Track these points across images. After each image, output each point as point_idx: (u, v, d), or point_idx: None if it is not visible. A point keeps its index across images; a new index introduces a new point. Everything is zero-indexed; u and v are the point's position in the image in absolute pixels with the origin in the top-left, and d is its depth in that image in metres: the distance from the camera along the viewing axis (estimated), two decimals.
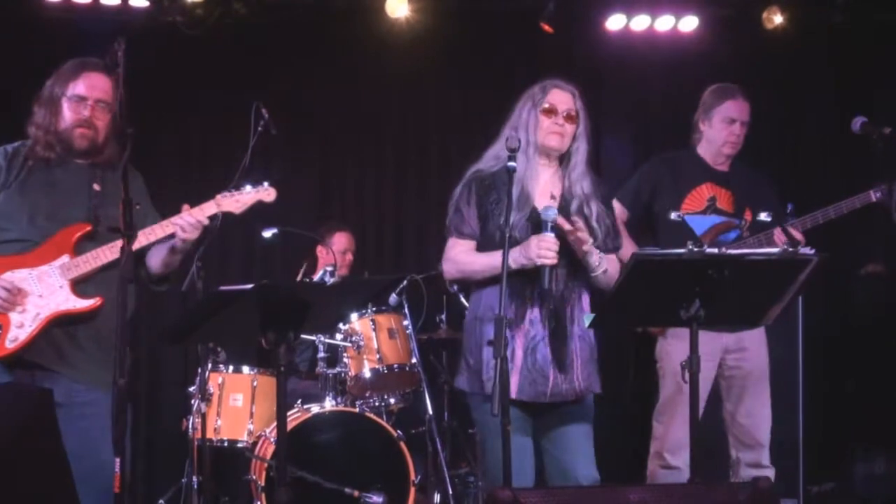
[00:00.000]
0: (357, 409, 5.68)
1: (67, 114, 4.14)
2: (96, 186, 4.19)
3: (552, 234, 3.88)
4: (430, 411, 5.90)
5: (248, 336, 4.17)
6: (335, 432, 5.57)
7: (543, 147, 4.10)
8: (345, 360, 5.87)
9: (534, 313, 3.98)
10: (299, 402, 5.79)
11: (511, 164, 3.84)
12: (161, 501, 6.11)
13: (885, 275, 6.53)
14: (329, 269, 5.73)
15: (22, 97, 4.32)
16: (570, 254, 3.98)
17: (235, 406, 5.75)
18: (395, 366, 5.90)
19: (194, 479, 5.49)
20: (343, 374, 5.86)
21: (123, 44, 3.61)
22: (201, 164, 7.02)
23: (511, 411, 3.76)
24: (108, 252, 4.06)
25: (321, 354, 5.91)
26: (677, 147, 5.56)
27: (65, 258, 4.08)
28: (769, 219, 5.08)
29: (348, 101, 7.21)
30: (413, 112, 7.41)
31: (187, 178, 6.96)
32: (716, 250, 3.61)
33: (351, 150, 7.40)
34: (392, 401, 5.99)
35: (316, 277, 5.97)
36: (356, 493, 5.38)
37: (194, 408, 5.47)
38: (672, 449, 5.03)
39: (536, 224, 3.97)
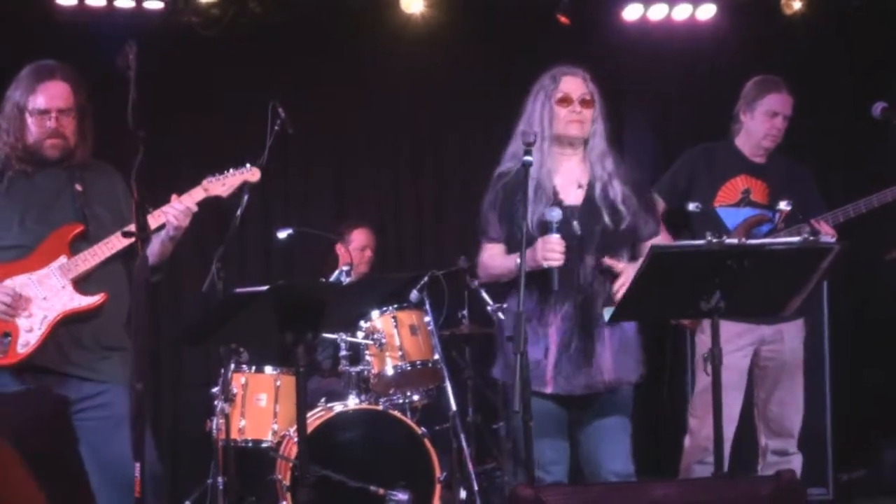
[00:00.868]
0: (380, 407, 5.67)
1: (33, 128, 4.15)
2: (78, 187, 4.22)
3: (557, 236, 3.85)
4: (454, 407, 5.88)
5: (266, 337, 4.17)
6: (359, 431, 5.56)
7: (565, 137, 4.07)
8: (367, 357, 5.87)
9: (564, 308, 3.96)
10: (322, 400, 5.80)
11: (527, 158, 3.82)
12: (187, 503, 6.12)
13: None
14: (345, 268, 5.73)
15: None
16: (597, 247, 3.97)
17: (259, 406, 5.76)
18: (418, 362, 5.89)
19: (219, 479, 5.49)
20: (366, 372, 5.86)
21: (135, 46, 3.59)
22: (218, 165, 6.99)
23: (546, 405, 3.89)
24: (105, 248, 4.12)
25: (343, 352, 5.90)
26: (696, 138, 5.53)
27: (62, 259, 4.12)
28: (788, 207, 5.04)
29: (364, 99, 7.19)
30: (429, 108, 7.37)
31: (203, 178, 6.94)
32: (735, 241, 3.57)
33: (368, 147, 7.39)
34: (415, 397, 5.98)
35: (332, 277, 5.96)
36: (381, 492, 5.37)
37: (217, 409, 5.48)
38: (708, 444, 4.97)
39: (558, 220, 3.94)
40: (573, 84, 4.08)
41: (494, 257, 4.14)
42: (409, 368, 5.86)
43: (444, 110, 7.40)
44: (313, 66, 7.07)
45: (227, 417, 5.43)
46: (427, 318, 6.00)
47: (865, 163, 6.78)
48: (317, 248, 6.72)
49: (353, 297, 3.91)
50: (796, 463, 5.21)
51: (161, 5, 6.55)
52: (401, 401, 5.91)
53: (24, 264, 4.11)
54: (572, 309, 3.95)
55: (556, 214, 3.86)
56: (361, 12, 6.95)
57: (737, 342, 4.94)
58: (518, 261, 3.77)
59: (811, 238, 3.64)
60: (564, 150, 4.09)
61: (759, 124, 5.23)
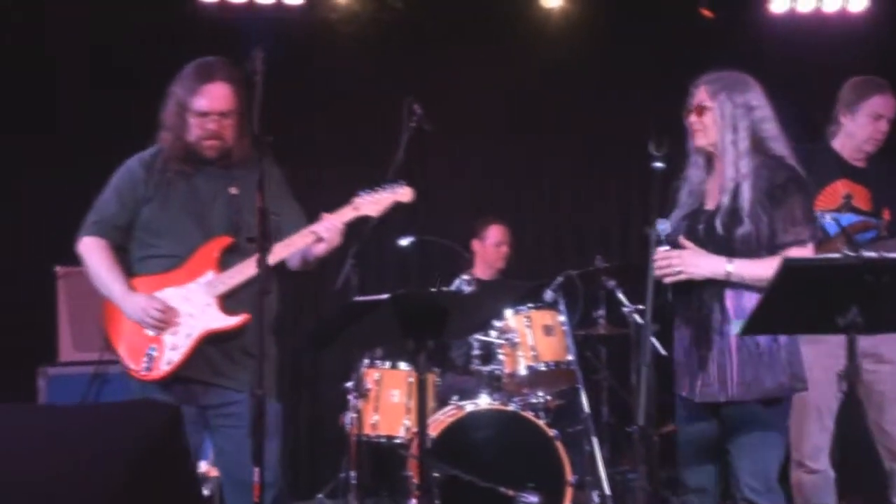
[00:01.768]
0: (512, 408, 5.63)
1: (194, 128, 4.13)
2: (233, 190, 4.18)
3: (665, 248, 3.80)
4: (587, 409, 5.81)
5: (388, 342, 4.20)
6: (490, 431, 5.54)
7: (695, 148, 3.99)
8: (500, 356, 5.84)
9: (687, 318, 3.92)
10: (455, 398, 5.78)
11: (656, 164, 3.75)
12: (320, 496, 6.20)
13: None
14: (466, 277, 5.68)
15: None
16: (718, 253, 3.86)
17: (392, 402, 5.76)
18: (552, 363, 5.83)
19: (351, 474, 5.55)
20: (497, 371, 5.83)
21: (262, 52, 3.62)
22: (356, 162, 7.06)
23: (689, 409, 3.89)
24: (252, 267, 4.01)
25: (475, 351, 5.89)
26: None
27: (209, 275, 4.11)
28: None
29: (504, 95, 7.14)
30: (570, 105, 7.28)
31: (340, 175, 6.98)
32: (874, 255, 3.40)
33: (507, 144, 7.35)
34: (548, 398, 5.92)
35: (453, 285, 5.94)
36: (511, 493, 5.35)
37: (351, 404, 5.53)
38: (811, 454, 4.76)
39: (689, 226, 3.90)
40: (693, 94, 4.00)
41: None
42: (542, 369, 5.81)
43: (585, 108, 7.30)
44: (451, 62, 7.05)
45: (359, 412, 5.48)
46: (562, 318, 5.92)
47: None
48: (451, 249, 6.67)
49: (473, 305, 3.88)
50: None
51: (301, 1, 6.62)
52: (533, 401, 5.85)
53: (173, 276, 4.12)
54: (693, 321, 3.90)
55: (661, 227, 3.80)
56: (501, 7, 6.90)
57: (831, 353, 4.61)
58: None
59: None
60: (702, 159, 4.03)
61: (862, 127, 4.95)
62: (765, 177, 3.86)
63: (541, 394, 5.89)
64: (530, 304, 5.91)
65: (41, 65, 6.64)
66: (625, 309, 5.85)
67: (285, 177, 4.36)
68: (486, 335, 5.83)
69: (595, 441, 5.77)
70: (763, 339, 3.81)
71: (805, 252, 3.78)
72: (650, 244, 3.75)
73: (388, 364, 5.82)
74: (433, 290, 3.64)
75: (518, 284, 6.22)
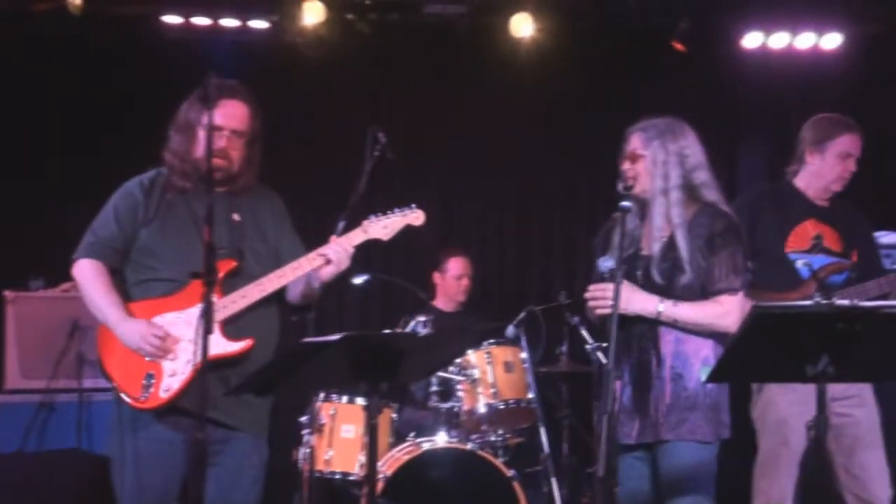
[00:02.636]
0: (469, 446, 5.47)
1: (203, 143, 3.98)
2: (236, 217, 4.07)
3: (602, 284, 3.81)
4: (547, 449, 5.69)
5: (337, 385, 4.05)
6: (446, 470, 5.39)
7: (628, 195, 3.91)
8: (459, 393, 5.69)
9: (629, 359, 3.89)
10: (412, 434, 5.63)
11: (624, 203, 3.66)
12: None
13: None
14: (422, 318, 5.52)
15: (140, 119, 4.20)
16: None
17: (347, 437, 5.60)
18: (511, 401, 5.69)
19: None
20: (456, 408, 5.68)
21: (216, 75, 3.49)
22: (319, 188, 6.92)
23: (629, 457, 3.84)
24: (256, 290, 3.95)
25: (434, 388, 5.74)
26: None
27: (212, 299, 3.94)
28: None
29: (471, 124, 7.03)
30: (539, 136, 7.18)
31: (301, 201, 6.86)
32: (847, 302, 3.26)
33: (472, 175, 7.25)
34: (508, 436, 5.78)
35: (409, 327, 5.80)
36: None
37: (304, 438, 5.36)
38: (779, 501, 4.63)
39: (628, 270, 3.86)
40: (628, 142, 4.01)
41: None
42: (502, 407, 5.67)
43: (553, 139, 7.20)
44: (418, 89, 6.93)
45: (311, 449, 5.31)
46: (523, 355, 5.80)
47: None
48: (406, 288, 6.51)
49: (429, 349, 3.72)
50: None
51: (266, 25, 6.49)
52: (493, 439, 5.71)
53: (173, 301, 3.95)
54: (631, 361, 3.89)
55: (603, 265, 3.83)
56: (470, 36, 6.80)
57: (803, 398, 4.50)
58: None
59: None
60: (639, 203, 3.98)
61: (831, 167, 4.83)
62: (704, 224, 3.88)
63: (500, 432, 5.74)
64: (491, 341, 5.77)
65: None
66: (588, 346, 5.71)
67: (285, 208, 4.28)
68: (446, 371, 5.68)
69: (554, 482, 5.64)
70: (691, 385, 3.81)
71: (735, 300, 3.81)
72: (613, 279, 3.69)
73: (344, 398, 5.65)
74: (387, 331, 3.49)
75: (477, 328, 6.07)
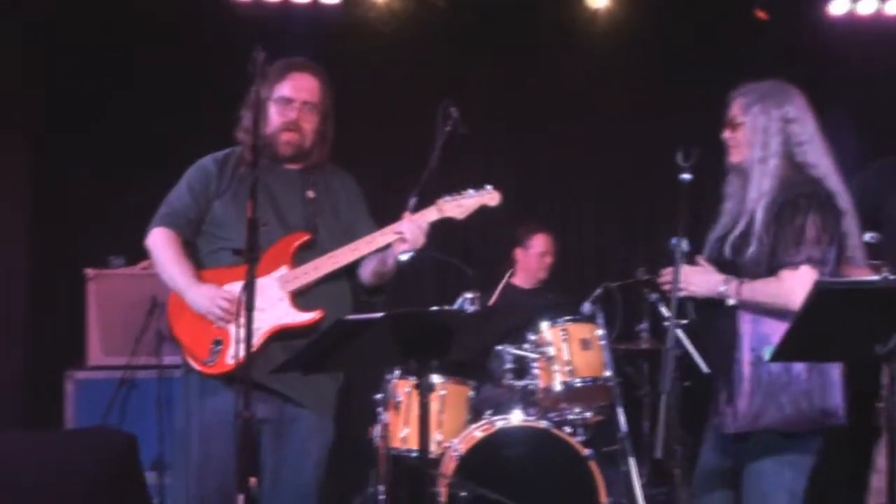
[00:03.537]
0: (544, 424, 5.40)
1: (274, 117, 4.00)
2: (310, 193, 4.06)
3: (679, 266, 3.61)
4: (625, 428, 5.56)
5: (387, 363, 4.02)
6: (520, 448, 5.32)
7: (730, 165, 3.77)
8: (534, 370, 5.62)
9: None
10: (489, 412, 5.57)
11: (683, 175, 3.54)
12: None
13: None
14: (468, 296, 5.45)
15: (212, 97, 4.19)
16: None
17: None
18: (588, 378, 5.59)
19: (379, 488, 5.37)
20: (531, 386, 5.61)
21: (262, 52, 3.46)
22: (391, 164, 6.89)
23: (711, 435, 3.75)
24: (329, 262, 3.93)
25: (508, 365, 5.68)
26: None
27: (283, 269, 3.95)
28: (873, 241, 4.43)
29: (546, 98, 6.93)
30: (615, 110, 7.05)
31: (374, 178, 6.84)
32: None
33: (550, 148, 7.14)
34: (588, 414, 5.68)
35: (456, 304, 5.73)
36: None
37: (380, 416, 5.36)
38: None
39: (719, 248, 3.71)
40: (729, 108, 3.79)
41: None
42: (578, 384, 5.57)
43: (630, 111, 7.06)
44: (493, 63, 6.85)
45: (386, 426, 5.33)
46: (600, 332, 5.68)
47: None
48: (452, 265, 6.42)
49: (477, 326, 3.66)
50: None
51: (338, 0, 6.47)
52: (571, 417, 5.61)
53: (243, 270, 3.79)
54: None
55: (674, 244, 3.63)
56: (545, 7, 6.70)
57: None
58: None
59: None
60: (735, 178, 3.79)
61: None
62: (783, 193, 3.60)
63: (578, 410, 5.64)
64: (567, 317, 5.68)
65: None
66: (665, 323, 5.59)
67: (360, 190, 4.26)
68: (520, 348, 5.62)
69: (632, 461, 5.50)
70: (774, 368, 3.56)
71: (796, 275, 3.52)
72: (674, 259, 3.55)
73: None
74: (432, 308, 3.44)
75: (524, 307, 5.98)
